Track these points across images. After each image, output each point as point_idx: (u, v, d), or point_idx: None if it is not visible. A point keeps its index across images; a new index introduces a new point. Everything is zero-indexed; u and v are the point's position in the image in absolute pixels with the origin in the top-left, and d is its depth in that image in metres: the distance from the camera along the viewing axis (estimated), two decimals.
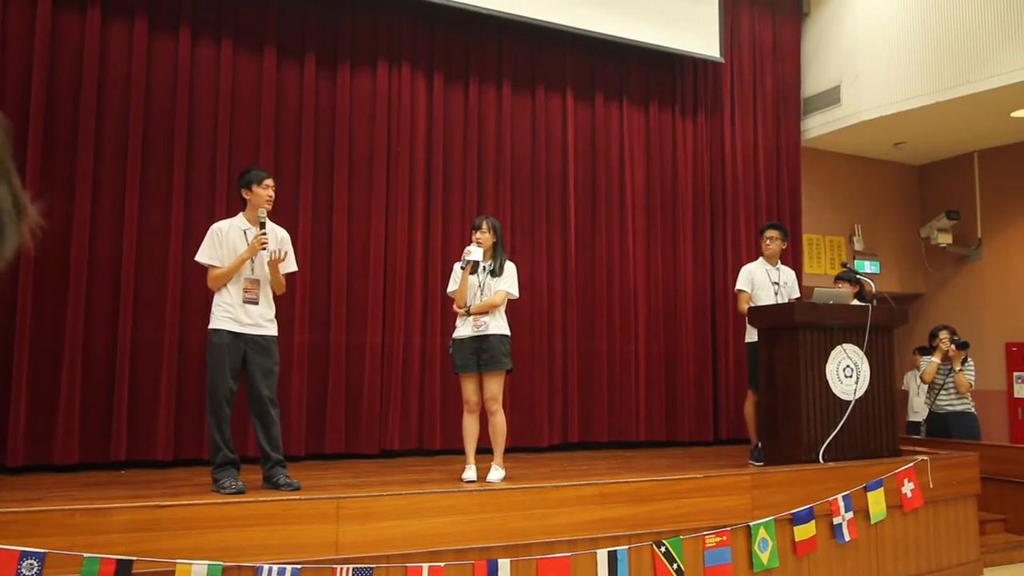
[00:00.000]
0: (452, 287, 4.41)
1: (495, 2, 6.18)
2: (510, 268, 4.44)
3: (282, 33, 5.80)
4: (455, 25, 6.40)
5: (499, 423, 4.31)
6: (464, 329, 4.30)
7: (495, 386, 4.27)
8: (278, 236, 4.05)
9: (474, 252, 4.28)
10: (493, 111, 6.55)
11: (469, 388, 4.29)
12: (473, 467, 4.25)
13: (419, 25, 6.27)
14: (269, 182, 4.02)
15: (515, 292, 4.42)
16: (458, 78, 6.44)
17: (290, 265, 4.13)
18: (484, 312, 4.28)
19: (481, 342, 4.26)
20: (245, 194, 3.99)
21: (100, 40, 5.21)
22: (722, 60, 7.28)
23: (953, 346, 6.10)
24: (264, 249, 3.91)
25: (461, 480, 4.16)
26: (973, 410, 6.25)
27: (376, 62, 6.09)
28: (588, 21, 6.58)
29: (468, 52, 6.48)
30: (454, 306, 4.38)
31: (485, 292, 4.32)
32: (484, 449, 5.83)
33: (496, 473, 4.21)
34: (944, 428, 6.21)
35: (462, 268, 4.32)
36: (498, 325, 4.31)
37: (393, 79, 6.14)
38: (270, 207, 4.01)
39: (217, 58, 5.58)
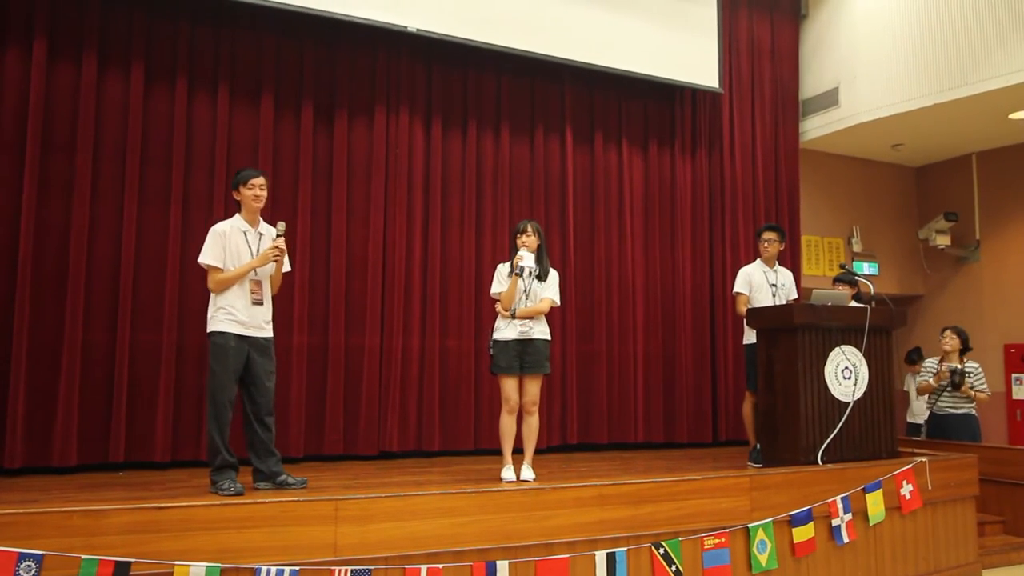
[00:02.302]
0: (497, 288, 4.42)
1: (494, 36, 6.16)
2: (554, 275, 4.49)
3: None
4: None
5: (535, 424, 4.41)
6: (509, 331, 4.32)
7: (536, 389, 4.37)
8: (277, 225, 4.06)
9: (526, 258, 4.34)
10: (491, 127, 6.56)
11: (510, 388, 4.32)
12: (511, 467, 4.27)
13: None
14: (256, 181, 3.99)
15: (558, 300, 4.50)
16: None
17: (285, 265, 4.16)
18: (530, 317, 4.33)
19: (526, 345, 4.31)
20: (235, 195, 4.02)
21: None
22: (721, 91, 7.28)
23: (946, 371, 6.10)
24: (276, 261, 3.96)
25: (500, 480, 4.17)
26: (975, 412, 6.25)
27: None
28: (586, 53, 6.56)
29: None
30: (498, 307, 4.38)
31: (531, 296, 4.36)
32: (469, 451, 5.84)
33: (531, 472, 4.25)
34: (945, 430, 6.20)
35: (517, 275, 4.33)
36: (542, 330, 4.40)
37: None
38: (259, 206, 4.01)
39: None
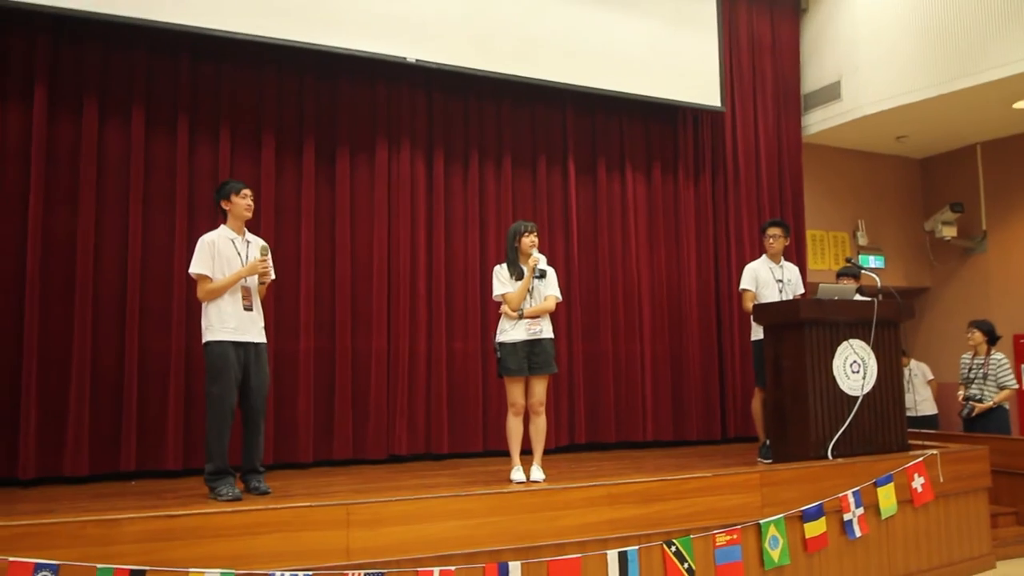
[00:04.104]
0: (501, 290, 4.42)
1: (493, 64, 6.15)
2: (552, 272, 4.52)
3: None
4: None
5: (543, 425, 4.43)
6: (517, 333, 4.33)
7: (543, 389, 4.39)
8: (260, 246, 4.13)
9: (542, 260, 4.40)
10: (493, 123, 6.58)
11: (517, 391, 4.34)
12: (520, 468, 4.30)
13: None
14: (247, 192, 4.12)
15: (560, 296, 4.53)
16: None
17: (271, 274, 4.19)
18: (537, 316, 4.35)
19: (534, 346, 4.33)
20: (225, 205, 4.10)
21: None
22: (723, 109, 7.26)
23: (961, 400, 6.31)
24: (263, 275, 4.03)
25: (510, 481, 4.20)
26: (1006, 405, 6.28)
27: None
28: (585, 75, 6.55)
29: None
30: (506, 309, 4.38)
31: (535, 295, 4.39)
32: (478, 453, 5.81)
33: (540, 473, 4.27)
34: (975, 424, 6.24)
35: (538, 278, 4.36)
36: (549, 329, 4.42)
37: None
38: (249, 215, 4.13)
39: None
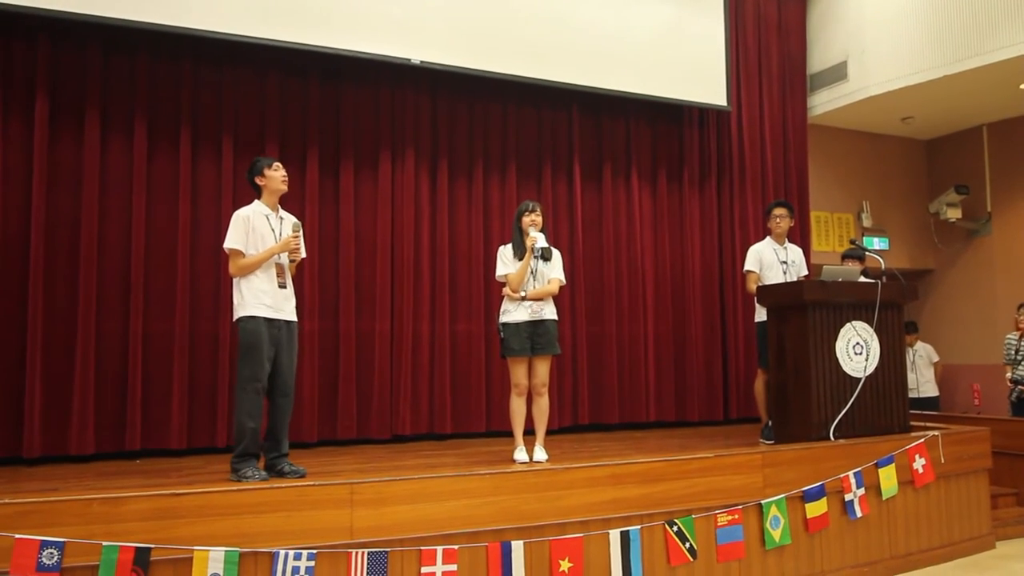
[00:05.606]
0: (503, 271, 4.39)
1: (499, 65, 6.10)
2: (558, 255, 4.49)
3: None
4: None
5: (545, 406, 4.43)
6: (519, 314, 4.31)
7: (546, 370, 4.38)
8: (292, 223, 4.07)
9: (540, 239, 4.34)
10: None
11: (520, 372, 4.33)
12: (523, 448, 4.31)
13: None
14: (279, 164, 4.06)
15: (564, 280, 4.50)
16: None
17: (301, 252, 4.14)
18: (539, 298, 4.33)
19: (536, 327, 4.32)
20: (259, 181, 4.01)
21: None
22: (729, 109, 7.19)
23: (1010, 383, 6.28)
24: (294, 252, 3.95)
25: (513, 461, 4.20)
26: None
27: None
28: (590, 76, 6.49)
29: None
30: (506, 291, 4.37)
31: (538, 277, 4.37)
32: (481, 434, 5.79)
33: (543, 453, 4.28)
34: (1021, 407, 6.30)
35: (537, 257, 4.33)
36: (551, 310, 4.41)
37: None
38: (285, 188, 4.06)
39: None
